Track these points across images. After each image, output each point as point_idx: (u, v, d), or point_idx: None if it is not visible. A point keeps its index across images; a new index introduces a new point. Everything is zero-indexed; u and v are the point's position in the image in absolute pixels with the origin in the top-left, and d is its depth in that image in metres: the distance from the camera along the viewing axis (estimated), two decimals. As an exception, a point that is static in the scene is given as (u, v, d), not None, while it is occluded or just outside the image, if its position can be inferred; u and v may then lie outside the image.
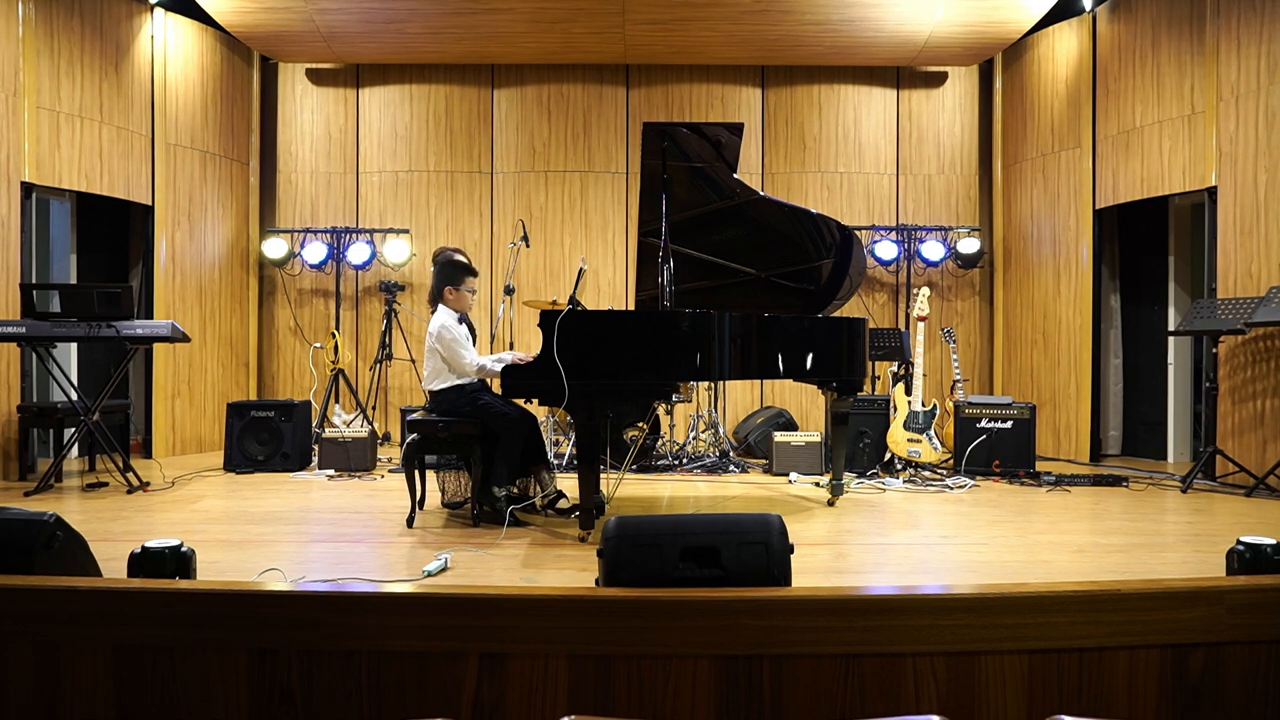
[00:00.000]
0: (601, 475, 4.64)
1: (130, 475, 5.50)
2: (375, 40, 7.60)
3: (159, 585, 1.86)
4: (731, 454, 6.77)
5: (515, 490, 4.65)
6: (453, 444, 4.56)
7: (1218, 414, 5.95)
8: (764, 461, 6.65)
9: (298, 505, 5.11)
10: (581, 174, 8.22)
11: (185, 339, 5.63)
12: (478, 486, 4.56)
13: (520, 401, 4.64)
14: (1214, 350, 5.83)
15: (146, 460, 6.72)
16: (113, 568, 2.31)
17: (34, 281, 6.29)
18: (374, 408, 7.86)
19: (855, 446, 6.22)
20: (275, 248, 7.87)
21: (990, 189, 8.21)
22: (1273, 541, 2.12)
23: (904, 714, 1.70)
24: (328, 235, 8.02)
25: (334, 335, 7.73)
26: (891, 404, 6.18)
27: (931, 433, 6.05)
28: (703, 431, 6.87)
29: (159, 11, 7.13)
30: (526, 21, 7.21)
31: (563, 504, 4.80)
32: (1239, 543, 2.16)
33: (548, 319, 4.06)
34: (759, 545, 1.99)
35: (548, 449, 5.70)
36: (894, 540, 4.30)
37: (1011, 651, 1.73)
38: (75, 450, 6.51)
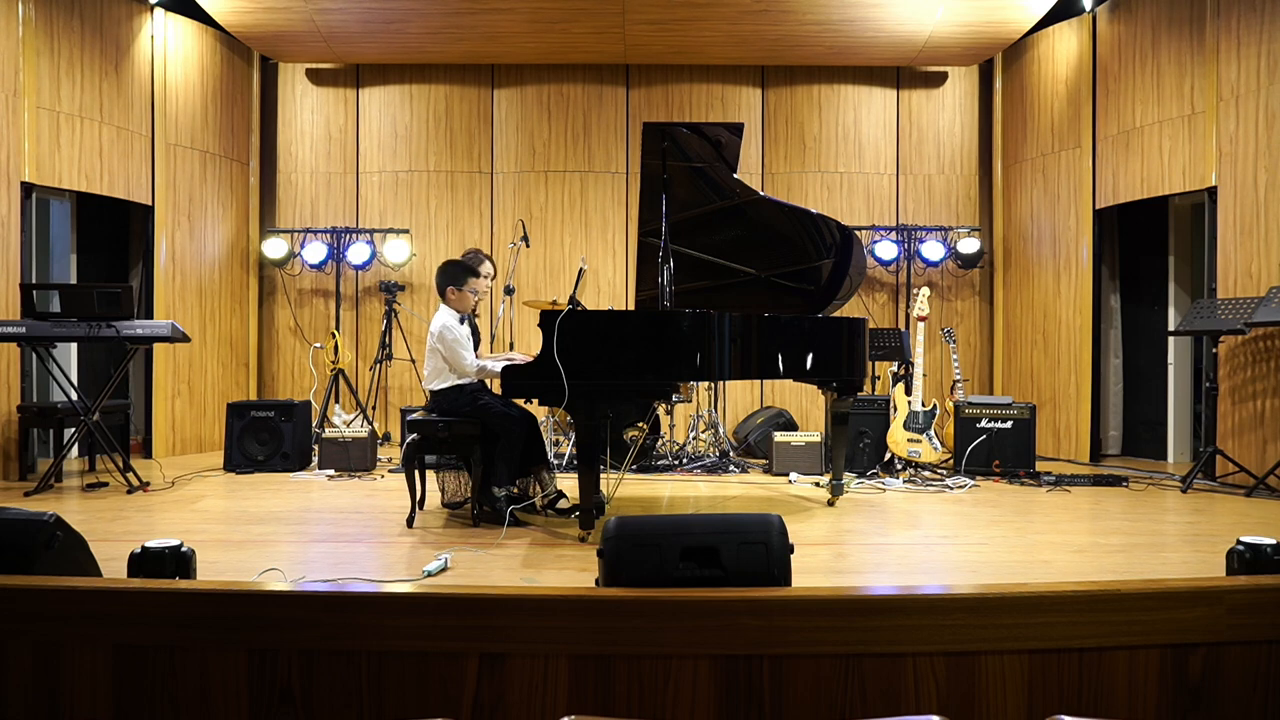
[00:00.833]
0: (601, 475, 4.64)
1: (130, 475, 5.50)
2: (375, 40, 7.60)
3: (159, 585, 1.87)
4: (731, 454, 6.76)
5: (515, 490, 4.64)
6: (453, 444, 4.56)
7: (1218, 414, 5.94)
8: (764, 461, 6.65)
9: (298, 505, 5.11)
10: (581, 174, 8.22)
11: (185, 339, 5.63)
12: (478, 486, 4.56)
13: (520, 401, 4.65)
14: (1214, 350, 5.83)
15: (146, 460, 6.71)
16: (113, 568, 2.31)
17: (34, 281, 6.28)
18: (374, 408, 7.86)
19: (855, 446, 6.22)
20: (275, 248, 7.87)
21: (990, 189, 8.20)
22: (1273, 541, 2.12)
23: (904, 714, 1.70)
24: (328, 235, 8.02)
25: (334, 335, 7.73)
26: (891, 404, 6.18)
27: (931, 433, 6.05)
28: (703, 431, 6.87)
29: (159, 11, 7.13)
30: (526, 21, 7.21)
31: (563, 504, 4.80)
32: (1239, 543, 2.17)
33: (548, 319, 4.06)
34: (759, 545, 2.00)
35: (548, 449, 5.69)
36: (894, 540, 4.30)
37: (1011, 651, 1.73)
38: (75, 450, 6.50)
